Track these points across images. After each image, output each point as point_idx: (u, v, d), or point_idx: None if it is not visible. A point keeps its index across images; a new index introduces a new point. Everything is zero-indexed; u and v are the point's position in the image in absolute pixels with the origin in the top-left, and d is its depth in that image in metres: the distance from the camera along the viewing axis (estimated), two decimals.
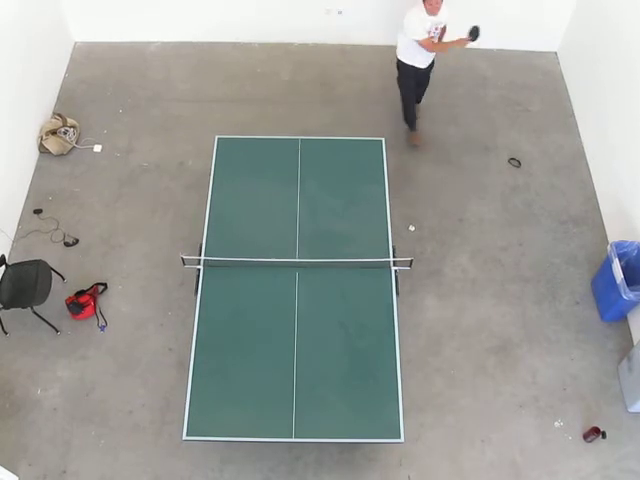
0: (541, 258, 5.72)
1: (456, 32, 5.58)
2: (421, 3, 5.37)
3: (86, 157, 6.28)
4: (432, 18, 5.44)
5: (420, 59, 5.79)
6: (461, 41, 5.59)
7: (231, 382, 4.28)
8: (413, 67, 5.85)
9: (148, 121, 6.56)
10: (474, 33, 5.55)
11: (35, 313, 5.01)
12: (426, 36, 5.48)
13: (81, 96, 6.73)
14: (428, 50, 5.61)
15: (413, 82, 6.06)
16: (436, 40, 5.65)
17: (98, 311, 5.31)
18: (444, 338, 5.27)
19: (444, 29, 5.72)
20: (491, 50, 7.21)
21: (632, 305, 5.10)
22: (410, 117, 6.33)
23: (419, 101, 6.51)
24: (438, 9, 5.38)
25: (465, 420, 4.90)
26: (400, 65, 5.91)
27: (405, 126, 6.36)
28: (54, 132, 6.19)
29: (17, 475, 4.58)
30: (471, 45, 7.09)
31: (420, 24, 5.43)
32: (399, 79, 6.06)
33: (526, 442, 4.82)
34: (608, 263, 5.11)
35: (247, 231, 4.90)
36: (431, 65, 6.02)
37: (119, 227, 5.81)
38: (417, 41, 5.51)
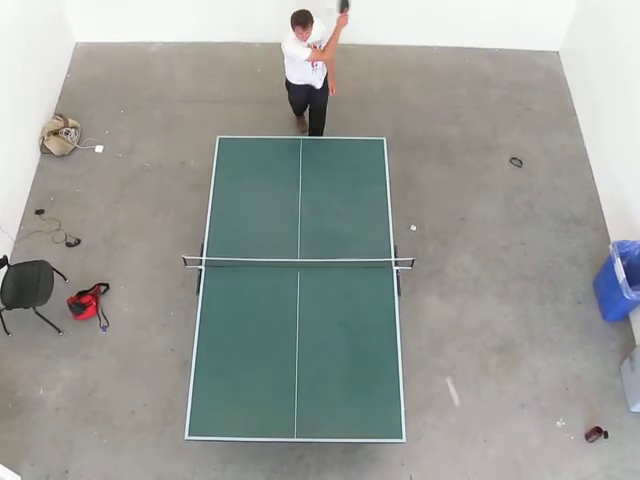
0: (543, 258, 5.71)
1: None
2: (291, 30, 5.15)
3: (88, 157, 6.28)
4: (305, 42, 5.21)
5: (312, 78, 5.54)
6: (340, 22, 5.24)
7: (233, 382, 4.29)
8: (307, 86, 5.63)
9: (150, 121, 6.56)
10: (344, 3, 5.21)
11: (37, 313, 5.01)
12: (310, 52, 5.20)
13: (83, 96, 6.74)
14: (324, 60, 5.39)
15: (302, 98, 5.85)
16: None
17: (100, 311, 5.32)
18: (446, 338, 5.27)
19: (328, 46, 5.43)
20: (493, 49, 7.20)
21: (634, 305, 5.09)
22: (297, 113, 6.29)
23: (319, 132, 6.13)
24: (307, 37, 5.13)
25: (467, 420, 4.89)
26: (289, 85, 5.72)
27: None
28: (56, 133, 6.19)
29: (20, 475, 4.59)
30: (472, 44, 7.14)
31: (299, 45, 5.18)
32: (289, 98, 5.91)
33: (528, 442, 4.81)
34: (610, 263, 5.10)
35: (248, 231, 4.91)
36: (322, 94, 5.77)
37: (121, 227, 5.81)
38: (308, 60, 5.26)
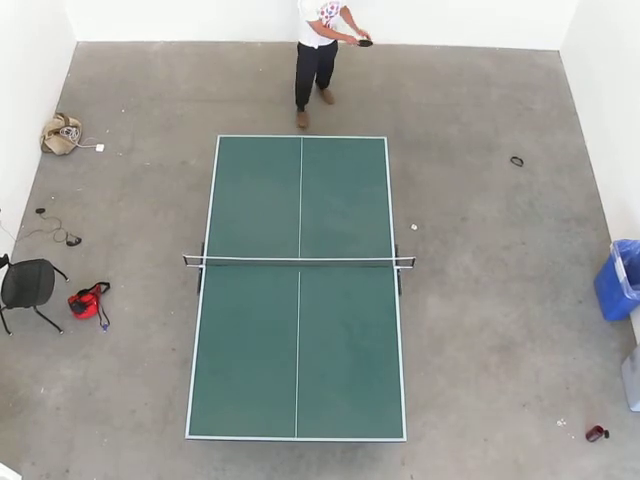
0: (544, 257, 5.71)
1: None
2: None
3: (89, 157, 6.28)
4: None
5: (318, 39, 5.68)
6: (350, 39, 5.57)
7: (234, 381, 4.29)
8: (313, 48, 5.73)
9: (151, 120, 6.56)
10: (365, 43, 5.63)
11: (38, 312, 5.01)
12: (317, 18, 5.36)
13: (83, 96, 6.74)
14: (317, 33, 5.50)
15: (313, 67, 6.00)
16: (330, 21, 5.54)
17: (101, 310, 5.32)
18: (446, 337, 5.27)
19: (346, 11, 5.66)
20: (493, 49, 7.20)
21: (635, 304, 5.09)
22: (301, 101, 6.36)
23: (325, 85, 6.55)
24: None
25: (468, 419, 4.89)
26: (300, 48, 5.82)
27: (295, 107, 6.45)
28: (57, 132, 6.19)
29: (20, 474, 4.59)
30: (473, 43, 7.15)
31: (313, 5, 5.29)
32: (298, 62, 5.95)
33: (529, 441, 4.81)
34: (611, 262, 5.10)
35: (249, 230, 4.91)
36: (334, 48, 5.94)
37: (122, 226, 5.81)
38: (309, 22, 5.40)
